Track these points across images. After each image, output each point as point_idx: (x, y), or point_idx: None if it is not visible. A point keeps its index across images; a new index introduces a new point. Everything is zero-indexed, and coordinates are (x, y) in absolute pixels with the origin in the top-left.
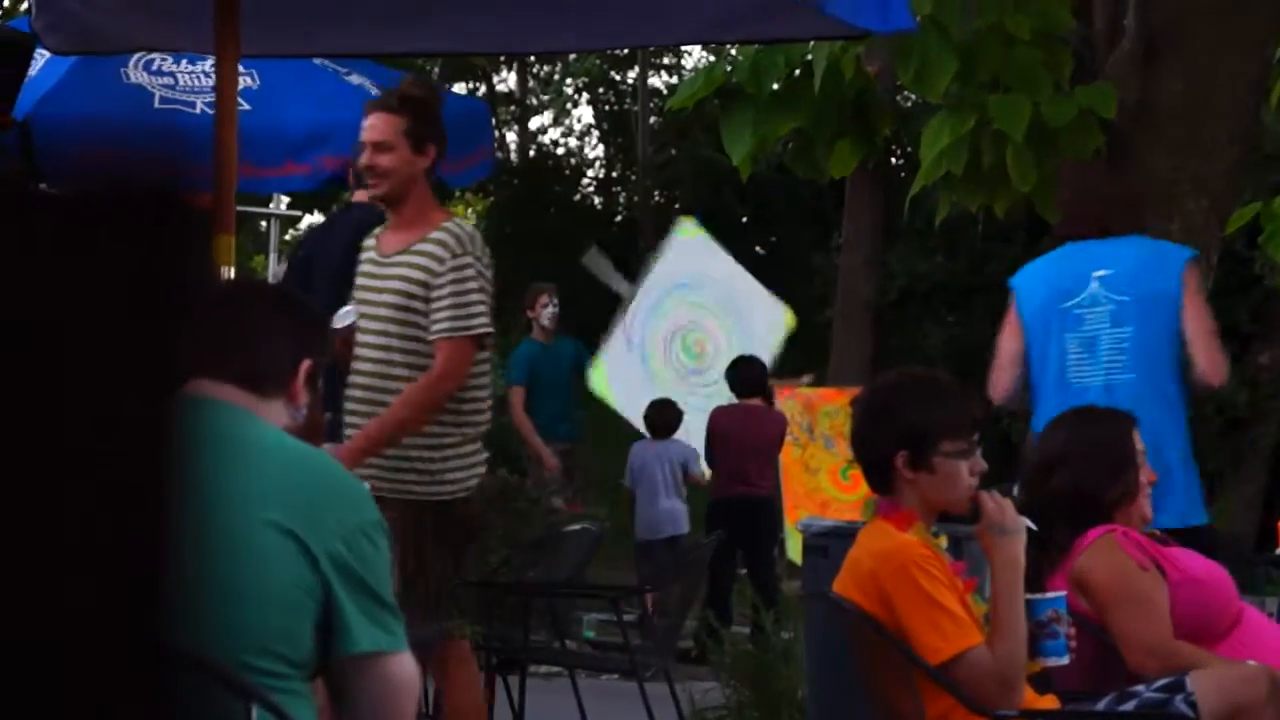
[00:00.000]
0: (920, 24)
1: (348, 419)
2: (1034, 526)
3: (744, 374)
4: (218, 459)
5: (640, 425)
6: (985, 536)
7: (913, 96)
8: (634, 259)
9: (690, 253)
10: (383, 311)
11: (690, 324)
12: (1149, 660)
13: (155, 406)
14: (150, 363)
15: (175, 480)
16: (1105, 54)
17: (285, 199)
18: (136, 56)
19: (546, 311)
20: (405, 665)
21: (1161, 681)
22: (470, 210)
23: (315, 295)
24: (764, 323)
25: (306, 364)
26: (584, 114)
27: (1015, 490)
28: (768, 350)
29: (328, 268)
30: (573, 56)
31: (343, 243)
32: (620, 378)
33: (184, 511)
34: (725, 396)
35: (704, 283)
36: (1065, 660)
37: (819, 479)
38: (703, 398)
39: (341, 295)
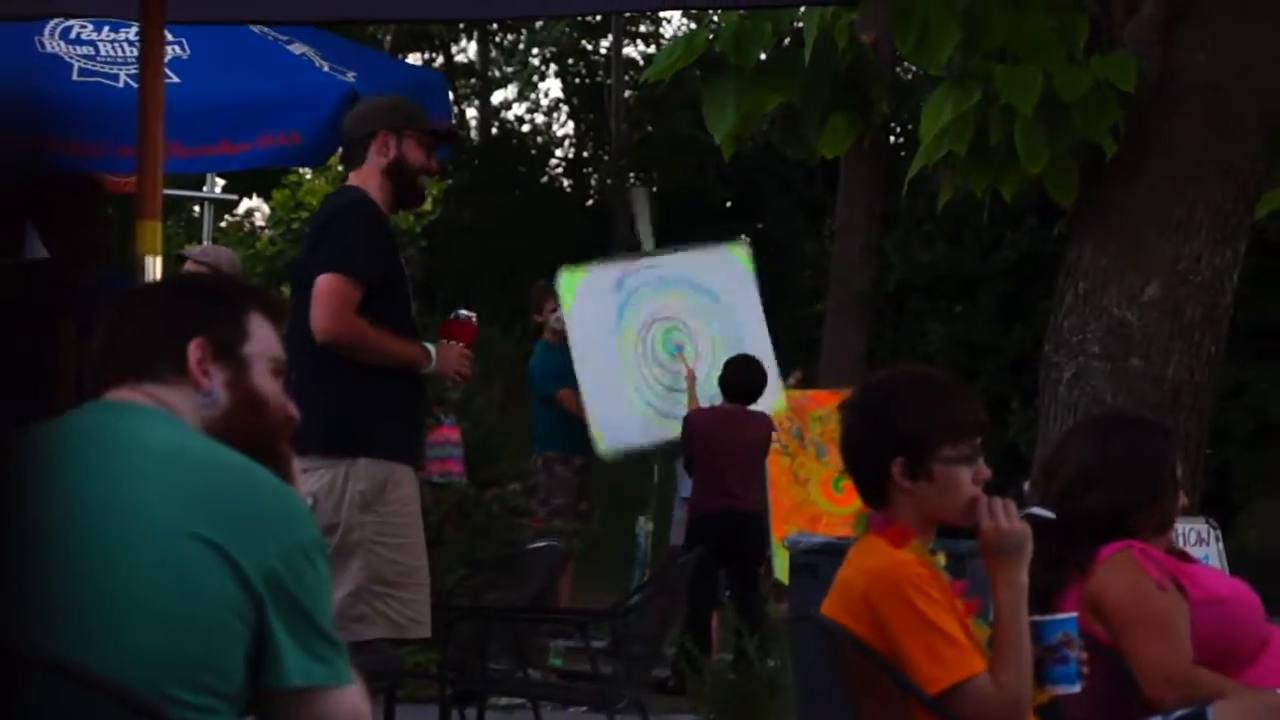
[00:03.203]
0: None
1: None
2: (1048, 514)
3: (740, 377)
4: (127, 467)
5: (580, 350)
6: (986, 555)
7: (912, 68)
8: (608, 247)
9: (730, 274)
10: None
11: (679, 321)
12: (1167, 689)
13: None
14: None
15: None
16: (1123, 20)
17: (220, 181)
18: (53, 23)
19: (555, 315)
20: (344, 703)
21: (1181, 712)
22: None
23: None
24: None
25: (196, 342)
26: (551, 87)
27: (1026, 487)
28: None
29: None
30: (539, 23)
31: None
32: (589, 303)
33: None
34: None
35: (724, 311)
36: (1076, 688)
37: (809, 490)
38: (659, 398)
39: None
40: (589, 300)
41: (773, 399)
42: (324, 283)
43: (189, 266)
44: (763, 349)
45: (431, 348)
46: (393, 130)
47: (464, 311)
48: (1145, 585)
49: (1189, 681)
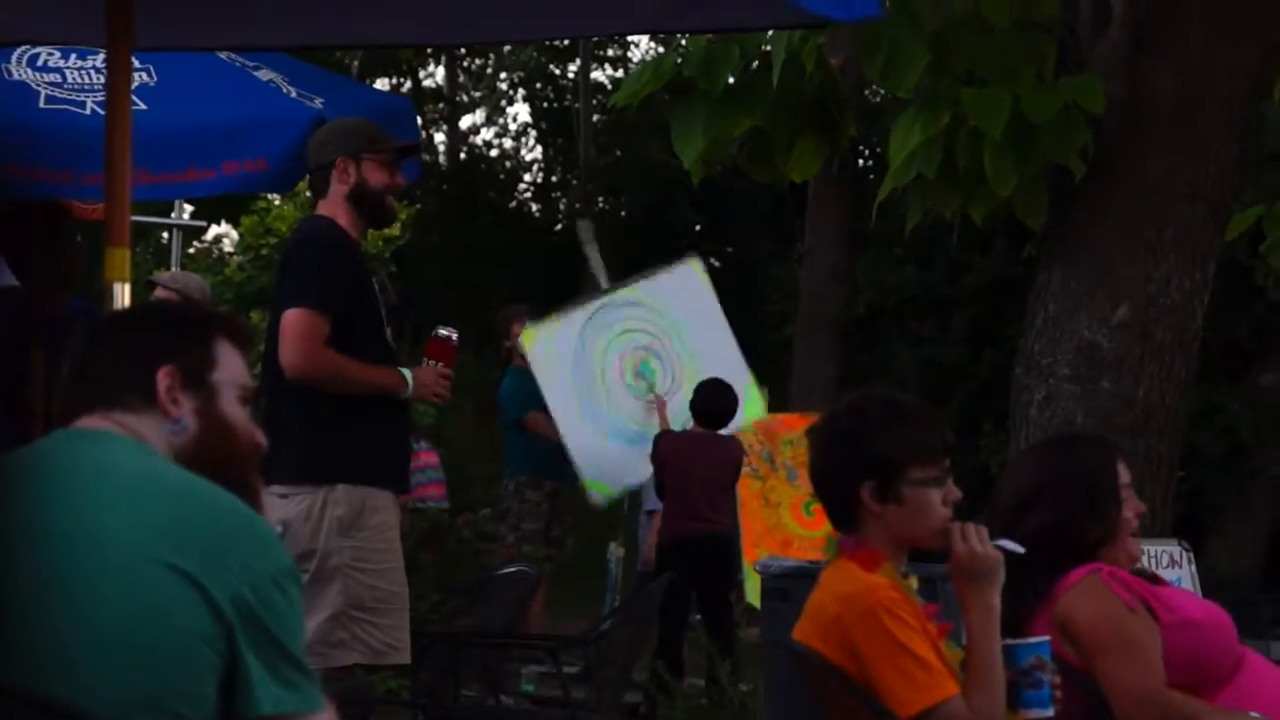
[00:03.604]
0: (888, 11)
1: None
2: (1018, 548)
3: (710, 400)
4: (96, 495)
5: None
6: (958, 579)
7: (880, 91)
8: (578, 272)
9: (690, 294)
10: None
11: (647, 351)
12: (1140, 712)
13: None
14: None
15: None
16: (1091, 43)
17: (189, 207)
18: (19, 50)
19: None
20: None
21: None
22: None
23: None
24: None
25: (165, 370)
26: (520, 112)
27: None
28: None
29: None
30: (507, 48)
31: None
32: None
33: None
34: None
35: (693, 335)
36: (1049, 712)
37: (780, 514)
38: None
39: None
40: (553, 351)
41: (752, 410)
42: (289, 318)
43: (159, 293)
44: (733, 363)
45: (408, 373)
46: (351, 156)
47: (443, 330)
48: (1116, 608)
49: (1162, 704)
